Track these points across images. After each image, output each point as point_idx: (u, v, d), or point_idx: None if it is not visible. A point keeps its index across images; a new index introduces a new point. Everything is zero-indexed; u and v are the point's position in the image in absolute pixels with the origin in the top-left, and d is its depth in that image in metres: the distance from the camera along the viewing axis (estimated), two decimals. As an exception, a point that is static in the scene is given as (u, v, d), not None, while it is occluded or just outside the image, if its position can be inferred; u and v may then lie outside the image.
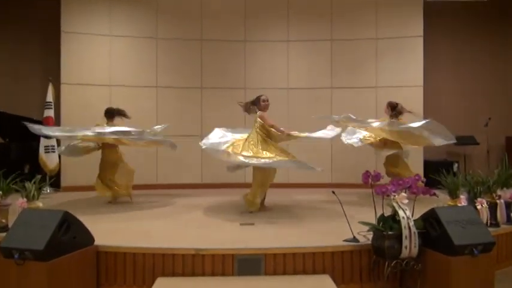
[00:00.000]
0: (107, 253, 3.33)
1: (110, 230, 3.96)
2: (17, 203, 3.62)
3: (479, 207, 3.76)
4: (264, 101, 4.92)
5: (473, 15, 7.88)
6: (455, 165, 7.26)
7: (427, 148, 7.32)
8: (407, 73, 7.37)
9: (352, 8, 7.47)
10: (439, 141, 5.17)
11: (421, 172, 6.89)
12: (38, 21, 7.51)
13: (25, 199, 3.66)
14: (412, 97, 7.27)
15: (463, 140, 7.68)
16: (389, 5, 7.33)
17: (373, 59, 7.50)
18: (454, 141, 5.25)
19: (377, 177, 3.27)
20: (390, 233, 3.06)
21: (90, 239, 3.28)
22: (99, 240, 3.34)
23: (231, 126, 6.20)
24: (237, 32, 7.55)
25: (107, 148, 5.62)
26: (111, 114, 5.66)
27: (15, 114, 6.90)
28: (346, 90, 7.47)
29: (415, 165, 6.83)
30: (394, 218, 3.12)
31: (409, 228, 3.02)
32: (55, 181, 6.93)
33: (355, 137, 5.84)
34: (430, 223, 3.15)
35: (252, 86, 7.38)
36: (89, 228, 3.30)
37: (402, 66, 7.38)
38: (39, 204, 3.72)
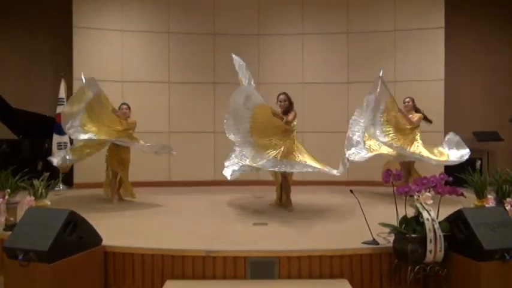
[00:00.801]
0: (114, 254, 3.22)
1: (119, 230, 3.86)
2: (24, 201, 3.55)
3: (508, 207, 3.51)
4: None
5: (496, 5, 7.49)
6: (478, 163, 6.96)
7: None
8: (427, 66, 7.08)
9: (369, -1, 7.20)
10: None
11: (441, 170, 6.60)
12: (49, 16, 7.46)
13: (33, 197, 3.58)
14: (433, 91, 6.99)
15: (486, 136, 7.37)
16: (408, -6, 7.03)
17: (391, 52, 7.22)
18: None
19: (399, 176, 3.07)
20: (413, 235, 2.86)
21: (98, 239, 3.18)
22: (107, 240, 3.24)
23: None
24: (251, 26, 7.37)
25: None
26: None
27: (28, 110, 6.90)
28: (363, 84, 7.16)
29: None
30: (417, 219, 2.92)
31: (434, 230, 2.81)
32: (68, 178, 6.90)
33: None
34: (456, 225, 2.93)
35: (266, 80, 7.19)
36: (97, 228, 3.20)
37: (422, 59, 7.09)
38: (47, 202, 3.63)
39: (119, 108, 5.49)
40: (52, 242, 2.71)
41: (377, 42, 7.21)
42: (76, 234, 2.93)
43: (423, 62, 7.09)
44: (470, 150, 7.51)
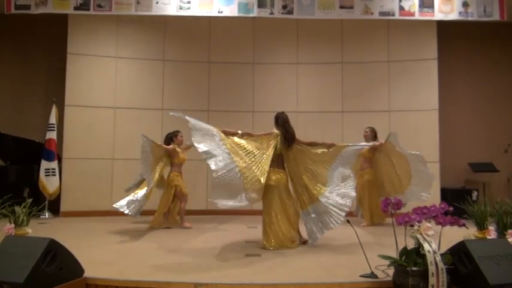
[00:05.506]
0: (97, 286, 3.01)
1: (103, 260, 3.65)
2: (4, 228, 3.36)
3: (510, 239, 3.38)
4: None
5: (489, 37, 7.57)
6: (475, 194, 6.87)
7: (444, 175, 6.98)
8: (421, 97, 7.10)
9: (363, 30, 7.26)
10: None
11: (438, 201, 6.49)
12: (43, 42, 7.44)
13: (13, 225, 3.40)
14: (427, 121, 6.99)
15: (481, 167, 7.33)
16: (401, 26, 7.06)
17: (385, 82, 7.26)
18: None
19: (398, 205, 2.95)
20: (414, 269, 2.71)
21: (79, 270, 2.98)
22: (89, 272, 3.04)
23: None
24: (246, 54, 7.40)
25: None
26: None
27: (17, 136, 6.75)
28: (358, 114, 7.20)
29: (432, 193, 6.47)
30: (418, 251, 2.77)
31: (436, 263, 2.66)
32: (55, 206, 6.67)
33: None
34: (459, 258, 2.79)
35: (260, 109, 7.17)
36: (80, 258, 3.01)
37: (416, 89, 7.12)
38: (28, 230, 3.47)
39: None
40: (29, 273, 2.52)
41: (371, 72, 7.26)
42: (56, 265, 2.74)
43: (417, 93, 7.12)
44: (466, 181, 7.48)
